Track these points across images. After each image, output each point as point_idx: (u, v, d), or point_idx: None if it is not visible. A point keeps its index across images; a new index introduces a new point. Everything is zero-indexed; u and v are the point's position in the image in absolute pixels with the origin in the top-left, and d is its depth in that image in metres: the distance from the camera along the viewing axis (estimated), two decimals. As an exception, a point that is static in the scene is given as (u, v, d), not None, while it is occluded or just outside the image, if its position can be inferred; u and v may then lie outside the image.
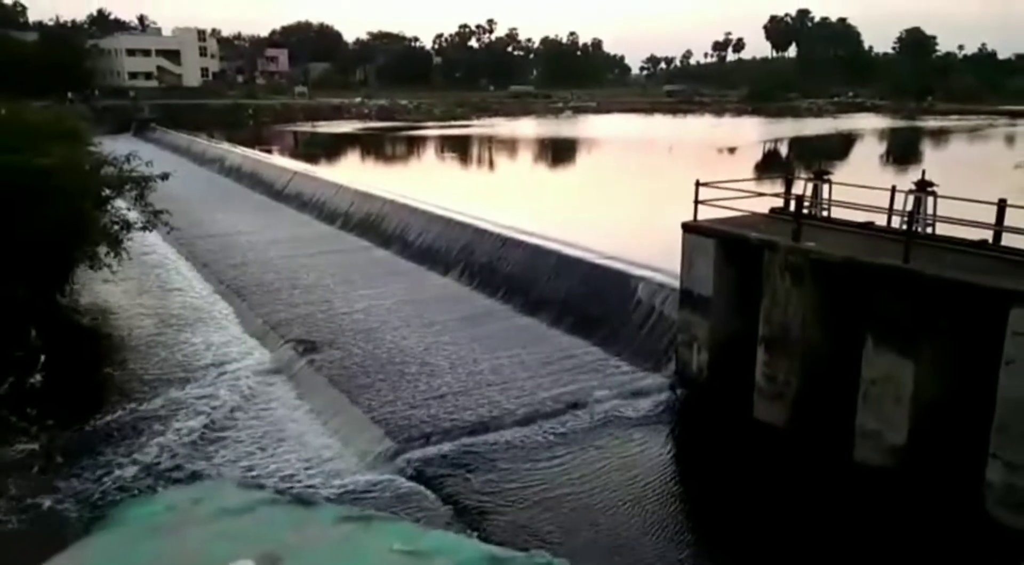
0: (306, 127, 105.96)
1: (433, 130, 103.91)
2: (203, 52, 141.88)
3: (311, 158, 66.83)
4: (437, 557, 3.38)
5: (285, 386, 19.50)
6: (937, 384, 13.67)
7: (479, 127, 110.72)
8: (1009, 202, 14.97)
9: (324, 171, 53.78)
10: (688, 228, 17.96)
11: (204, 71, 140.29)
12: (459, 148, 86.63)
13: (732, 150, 79.86)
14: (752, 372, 16.50)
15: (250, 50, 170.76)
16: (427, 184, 48.75)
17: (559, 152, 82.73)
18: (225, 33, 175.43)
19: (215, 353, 21.51)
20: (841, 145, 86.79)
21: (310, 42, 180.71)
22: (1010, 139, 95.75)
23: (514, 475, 14.92)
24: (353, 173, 55.00)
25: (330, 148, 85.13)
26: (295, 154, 72.29)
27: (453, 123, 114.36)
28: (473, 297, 26.01)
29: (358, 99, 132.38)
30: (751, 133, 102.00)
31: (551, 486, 14.55)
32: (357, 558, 3.35)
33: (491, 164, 75.41)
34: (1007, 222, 14.98)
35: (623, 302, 21.14)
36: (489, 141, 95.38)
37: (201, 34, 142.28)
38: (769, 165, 67.80)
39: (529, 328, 22.82)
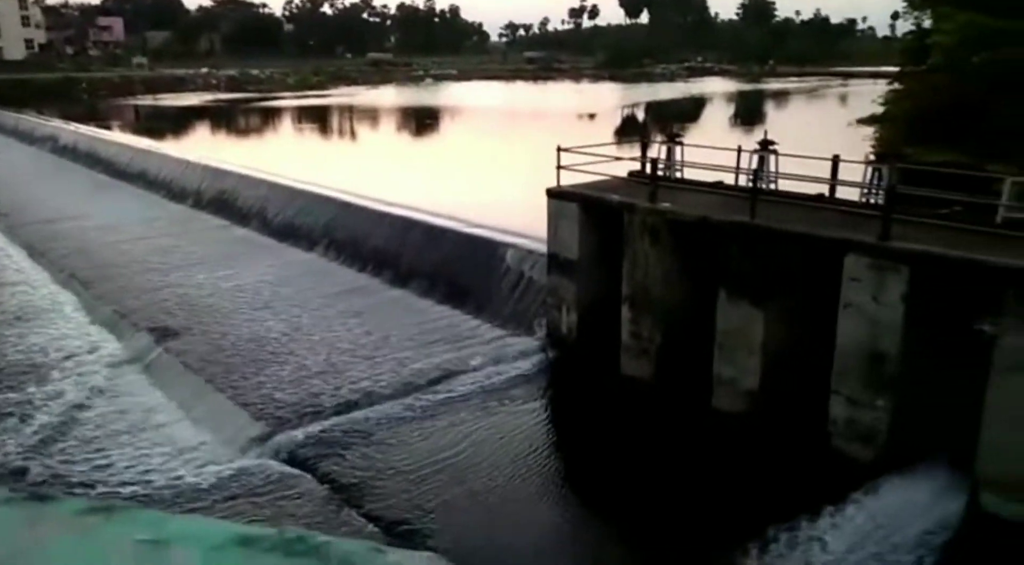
0: (148, 101, 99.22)
1: (288, 101, 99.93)
2: (26, 22, 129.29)
3: (156, 134, 62.75)
4: (182, 543, 3.23)
5: (141, 377, 18.38)
6: (785, 331, 14.64)
7: (337, 97, 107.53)
8: (842, 157, 16.13)
9: (171, 147, 50.67)
10: (552, 194, 18.23)
11: (29, 43, 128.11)
12: (318, 119, 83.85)
13: (592, 116, 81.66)
14: (618, 330, 17.08)
15: (80, 19, 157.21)
16: (285, 158, 46.96)
17: (423, 121, 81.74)
18: (51, 0, 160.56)
19: (59, 348, 19.94)
20: (693, 108, 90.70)
21: (147, 9, 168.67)
22: (843, 98, 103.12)
23: (392, 449, 14.82)
24: (204, 148, 52.13)
25: (176, 122, 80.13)
26: (137, 130, 67.62)
27: (309, 93, 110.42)
28: (340, 272, 25.42)
29: (204, 70, 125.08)
30: (609, 99, 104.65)
31: (430, 456, 14.55)
32: (96, 552, 3.14)
33: (353, 135, 73.55)
34: (841, 176, 16.16)
35: (493, 270, 21.28)
36: (349, 111, 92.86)
37: (22, 2, 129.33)
38: (628, 130, 69.83)
39: (400, 301, 22.60)
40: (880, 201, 14.19)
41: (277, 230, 29.90)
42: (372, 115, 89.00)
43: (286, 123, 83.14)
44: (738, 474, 13.58)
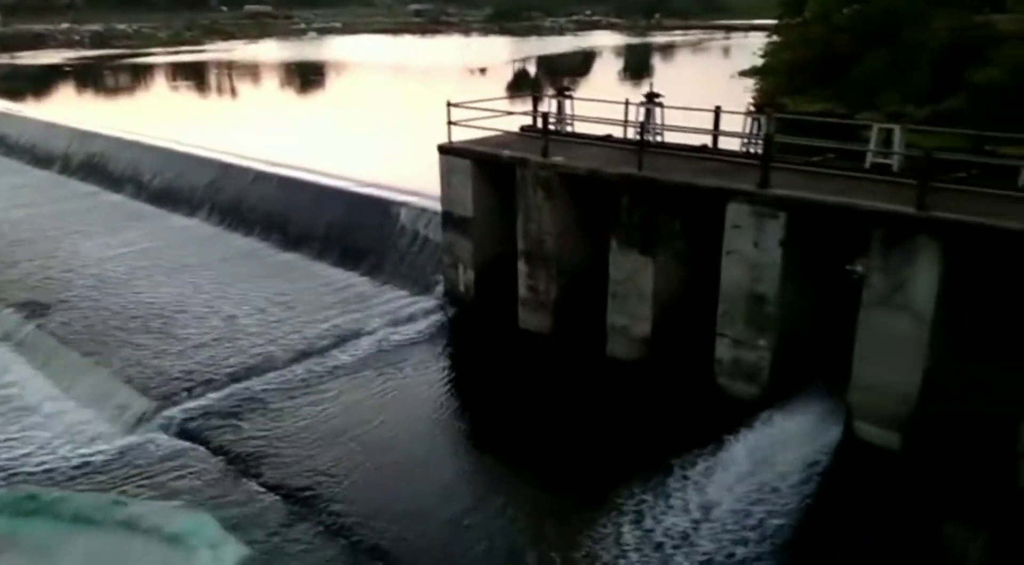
0: (4, 59, 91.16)
1: (160, 57, 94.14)
2: None
3: (15, 95, 57.78)
4: None
5: (12, 356, 17.22)
6: (674, 278, 15.14)
7: (214, 52, 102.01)
8: (724, 109, 16.62)
9: (32, 109, 46.92)
10: (444, 150, 18.01)
11: None
12: (194, 76, 79.35)
13: (483, 70, 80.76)
14: (516, 286, 17.22)
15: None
16: (160, 118, 44.28)
17: (308, 78, 78.70)
18: None
19: (-86, 330, 18.39)
20: (582, 62, 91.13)
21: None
22: (726, 51, 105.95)
23: (290, 416, 14.54)
24: (70, 110, 48.52)
25: (37, 83, 74.06)
26: (-8, 91, 62.06)
27: (183, 49, 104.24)
28: (226, 237, 24.44)
29: (65, 25, 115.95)
30: (500, 53, 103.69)
31: (330, 421, 14.38)
32: None
33: (233, 93, 70.08)
34: (723, 127, 16.67)
35: (387, 229, 20.96)
36: (228, 67, 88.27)
37: None
38: (519, 84, 69.57)
39: (292, 264, 21.99)
40: (759, 150, 14.73)
41: (155, 195, 28.38)
42: (253, 72, 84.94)
43: (159, 82, 78.29)
44: (633, 416, 14.08)
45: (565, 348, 16.39)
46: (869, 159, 14.45)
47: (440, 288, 19.00)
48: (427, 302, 18.84)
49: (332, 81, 78.67)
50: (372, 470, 13.00)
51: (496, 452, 13.76)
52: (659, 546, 10.95)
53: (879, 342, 11.94)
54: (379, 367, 16.33)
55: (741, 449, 12.59)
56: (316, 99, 65.79)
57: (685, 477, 12.18)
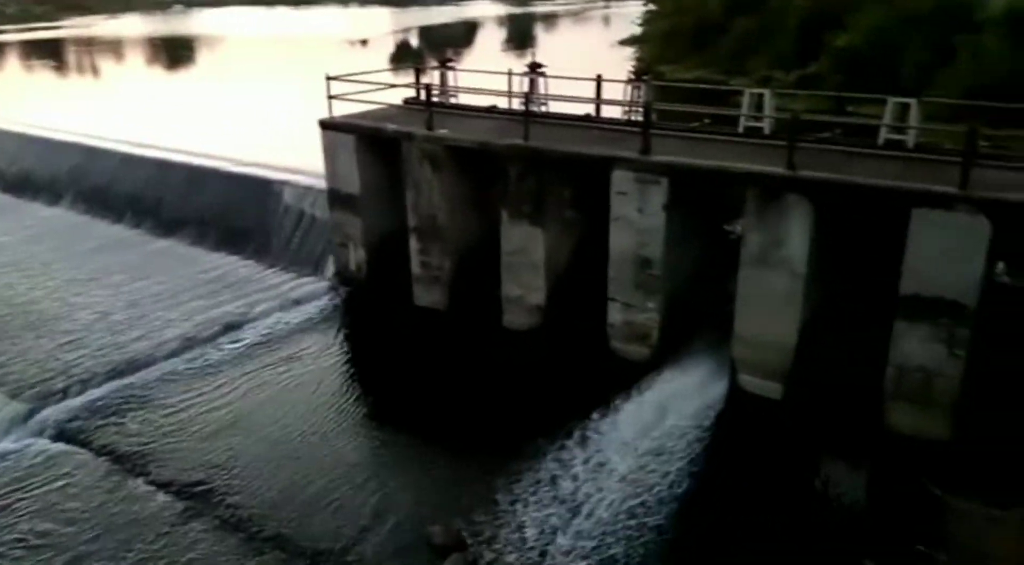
0: None
1: (9, 35, 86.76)
2: None
3: None
4: None
5: None
6: (565, 247, 15.36)
7: (72, 28, 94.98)
8: (605, 77, 16.88)
9: None
10: (325, 125, 17.49)
11: None
12: (50, 55, 73.58)
13: (365, 42, 78.77)
14: (409, 262, 17.02)
15: None
16: (14, 102, 40.93)
17: (177, 54, 74.52)
18: None
19: None
20: (465, 33, 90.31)
21: None
22: (607, 20, 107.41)
23: (176, 410, 13.94)
24: (-95, 93, 44.12)
25: None
26: None
27: (35, 25, 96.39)
28: (94, 226, 23.00)
29: None
30: (380, 24, 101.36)
31: (220, 412, 13.89)
32: None
33: (96, 72, 65.55)
34: (605, 95, 16.94)
35: (270, 210, 20.24)
36: (88, 44, 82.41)
37: None
38: (402, 56, 68.31)
39: (169, 252, 20.96)
40: (640, 118, 15.04)
41: (12, 184, 26.32)
42: (116, 49, 79.64)
43: (11, 61, 72.25)
44: (532, 383, 14.28)
45: (462, 322, 16.39)
46: (742, 123, 15.03)
47: (330, 268, 18.56)
48: (317, 283, 18.39)
49: (203, 56, 74.81)
50: (269, 459, 12.66)
51: (398, 429, 13.67)
52: (563, 504, 11.21)
53: (758, 298, 12.53)
54: (270, 353, 15.86)
55: (635, 408, 13.03)
56: (187, 76, 62.44)
57: (584, 438, 12.50)
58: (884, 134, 13.71)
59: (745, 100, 15.29)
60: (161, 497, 11.80)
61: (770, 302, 12.42)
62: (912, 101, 13.48)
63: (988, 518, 6.55)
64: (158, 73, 64.15)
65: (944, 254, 10.87)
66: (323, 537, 10.96)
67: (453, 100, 18.72)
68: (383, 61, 56.98)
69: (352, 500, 11.64)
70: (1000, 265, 13.28)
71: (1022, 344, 11.40)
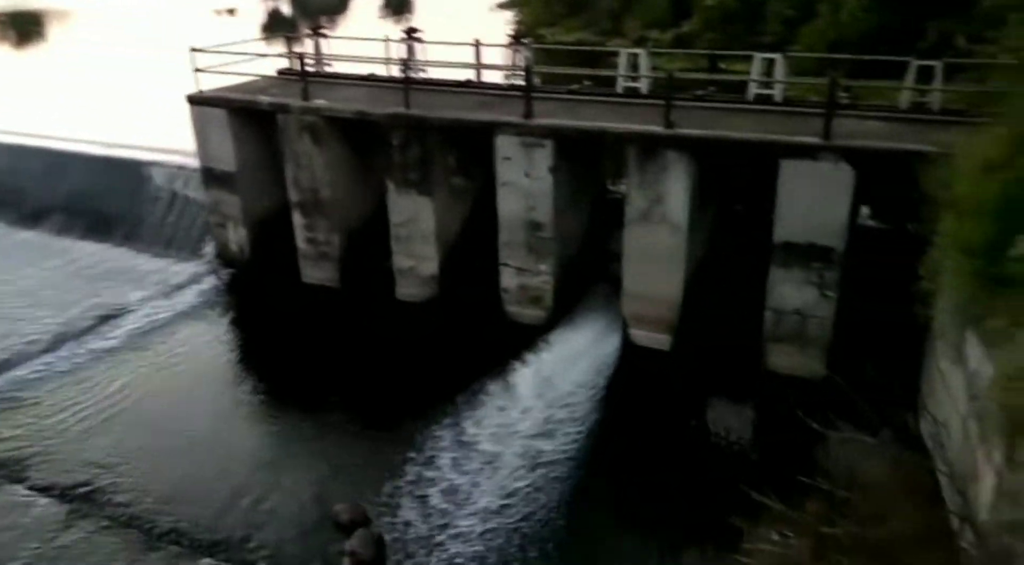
0: None
1: None
2: None
3: None
4: None
5: None
6: (455, 215, 15.27)
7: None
8: (484, 42, 16.72)
9: None
10: (193, 101, 16.57)
11: None
12: None
13: (232, 12, 74.94)
14: (295, 240, 16.50)
15: None
16: None
17: (25, 29, 68.69)
18: None
19: None
20: (338, 0, 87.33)
21: None
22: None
23: (53, 409, 13.09)
24: None
25: None
26: None
27: None
28: (-57, 219, 21.10)
29: None
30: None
31: (102, 407, 13.14)
32: None
33: (-70, 51, 59.59)
34: (486, 60, 16.80)
35: (140, 193, 19.11)
36: (-81, 21, 74.66)
37: None
38: (274, 25, 65.42)
39: (32, 243, 19.54)
40: (522, 82, 15.01)
41: None
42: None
43: None
44: (430, 353, 14.24)
45: (354, 297, 16.09)
46: (620, 84, 15.26)
47: (210, 250, 17.74)
48: (197, 267, 17.55)
49: (55, 32, 69.32)
50: (159, 453, 12.09)
51: (295, 411, 13.30)
52: (466, 470, 11.28)
53: (643, 255, 12.88)
54: (152, 343, 15.10)
55: (533, 370, 13.22)
56: (37, 54, 57.75)
57: (484, 404, 12.59)
58: (753, 89, 14.25)
59: (622, 61, 15.53)
60: (43, 502, 11.09)
61: (655, 258, 12.79)
62: (777, 56, 14.05)
63: (862, 446, 7.03)
64: (2, 52, 59.02)
65: (812, 201, 11.46)
66: (222, 527, 10.62)
67: (329, 69, 18.12)
68: (254, 31, 54.42)
69: (251, 487, 11.30)
70: (864, 209, 14.16)
71: (886, 284, 12.25)
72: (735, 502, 7.54)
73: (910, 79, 13.12)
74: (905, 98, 13.28)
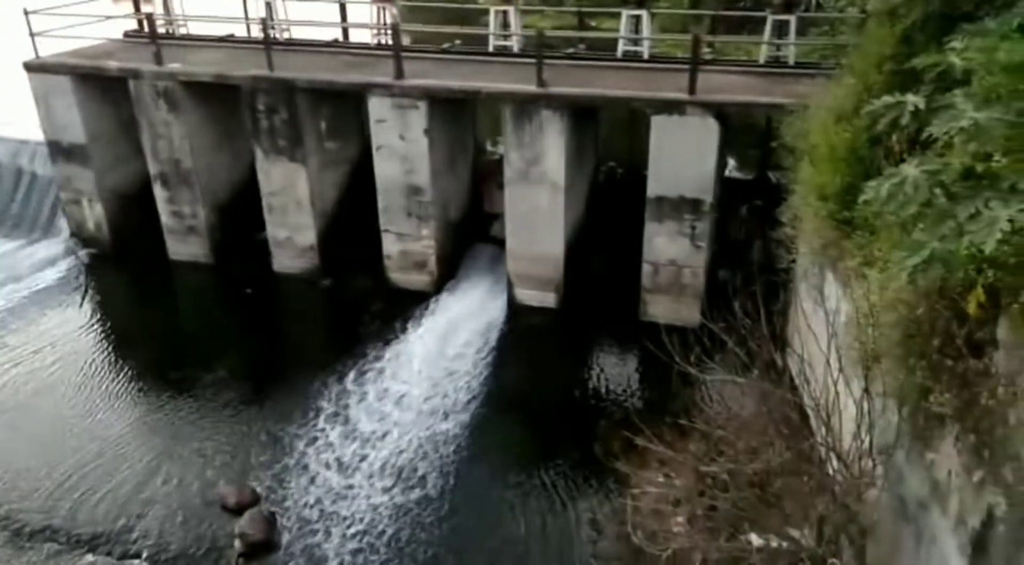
0: None
1: None
2: None
3: None
4: None
5: None
6: (331, 181, 14.80)
7: None
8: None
9: None
10: (31, 67, 15.15)
11: None
12: None
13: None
14: (158, 214, 15.56)
15: None
16: None
17: None
18: None
19: None
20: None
21: None
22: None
23: None
24: None
25: None
26: None
27: None
28: None
29: None
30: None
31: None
32: None
33: None
34: (352, 19, 16.25)
35: (-20, 170, 17.44)
36: None
37: None
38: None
39: None
40: (391, 42, 14.60)
41: None
42: None
43: None
44: (310, 327, 13.89)
45: (226, 272, 15.39)
46: (492, 43, 15.13)
47: (64, 229, 16.47)
48: (51, 248, 16.26)
49: None
50: (22, 449, 11.24)
51: (171, 396, 12.54)
52: (356, 441, 11.14)
53: (524, 215, 12.96)
54: (7, 331, 13.93)
55: (420, 335, 13.17)
56: None
57: (372, 373, 12.45)
58: (622, 47, 14.47)
59: (492, 19, 15.38)
60: None
61: (536, 217, 12.90)
62: (643, 13, 14.28)
63: (736, 387, 7.42)
64: None
65: (681, 156, 11.83)
66: (101, 519, 10.05)
67: (183, 31, 17.01)
68: (99, -9, 50.28)
69: (130, 475, 10.73)
70: (730, 161, 14.79)
71: (753, 232, 12.88)
72: (621, 448, 7.83)
73: (767, 34, 13.69)
74: (763, 53, 13.86)
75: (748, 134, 15.57)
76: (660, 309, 12.77)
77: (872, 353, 5.93)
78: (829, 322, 6.67)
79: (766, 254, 9.83)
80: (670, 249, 12.45)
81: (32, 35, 14.98)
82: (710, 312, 7.46)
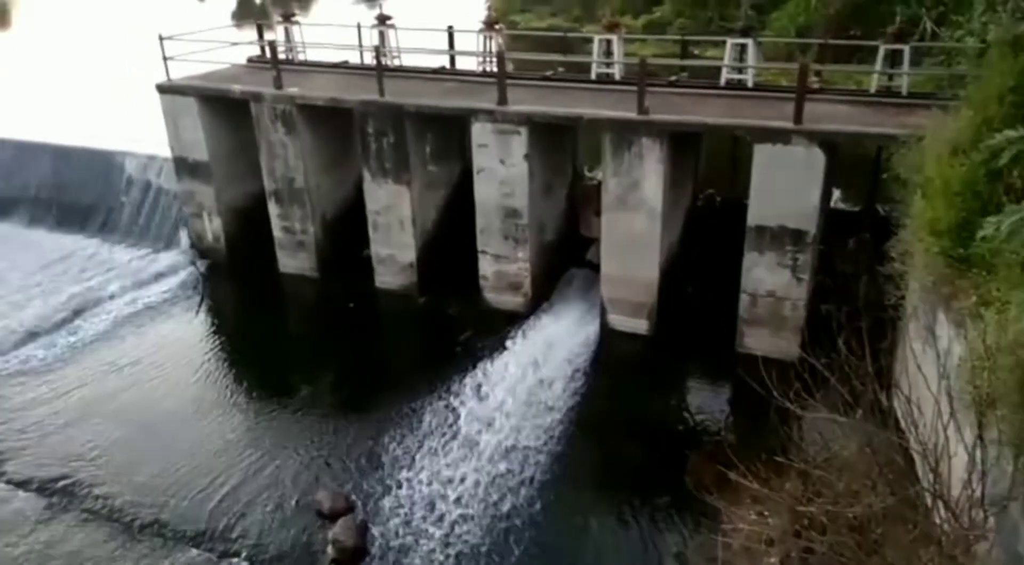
0: None
1: None
2: None
3: None
4: None
5: None
6: (432, 202, 15.26)
7: None
8: (457, 28, 16.67)
9: None
10: (163, 89, 16.33)
11: None
12: None
13: (201, -2, 73.70)
14: (271, 229, 16.39)
15: None
16: None
17: (-16, 16, 67.06)
18: None
19: None
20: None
21: None
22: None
23: (28, 403, 12.98)
24: None
25: None
26: None
27: None
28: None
29: None
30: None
31: (78, 401, 13.04)
32: None
33: None
34: (458, 47, 16.76)
35: (112, 183, 18.85)
36: None
37: None
38: (245, 11, 64.45)
39: (2, 236, 19.17)
40: (495, 68, 14.98)
41: None
42: (-91, 11, 70.64)
43: None
44: (408, 342, 14.26)
45: (332, 286, 16.04)
46: (594, 70, 15.29)
47: (185, 241, 17.58)
48: (173, 257, 17.39)
49: (20, 21, 67.70)
50: (138, 444, 12.03)
51: (275, 401, 13.20)
52: (450, 455, 11.36)
53: (621, 241, 12.96)
54: (128, 334, 14.97)
55: (512, 357, 13.31)
56: (1, 43, 56.42)
57: (466, 388, 12.66)
58: (726, 74, 14.35)
59: (595, 47, 15.54)
60: (21, 496, 11.03)
61: (632, 243, 12.88)
62: (749, 42, 14.14)
63: (837, 426, 7.18)
64: (-36, 38, 57.53)
65: (784, 185, 11.61)
66: (205, 518, 10.62)
67: (301, 56, 17.96)
68: (224, 18, 53.57)
69: (232, 477, 11.30)
70: (836, 192, 14.38)
71: (856, 265, 12.46)
72: (713, 482, 7.69)
73: (879, 63, 13.31)
74: (874, 82, 13.47)
75: (856, 165, 15.11)
76: (757, 341, 12.49)
77: (987, 398, 5.66)
78: (940, 363, 6.40)
79: (873, 289, 9.48)
80: (770, 280, 12.19)
81: (165, 59, 16.14)
82: (811, 346, 7.25)
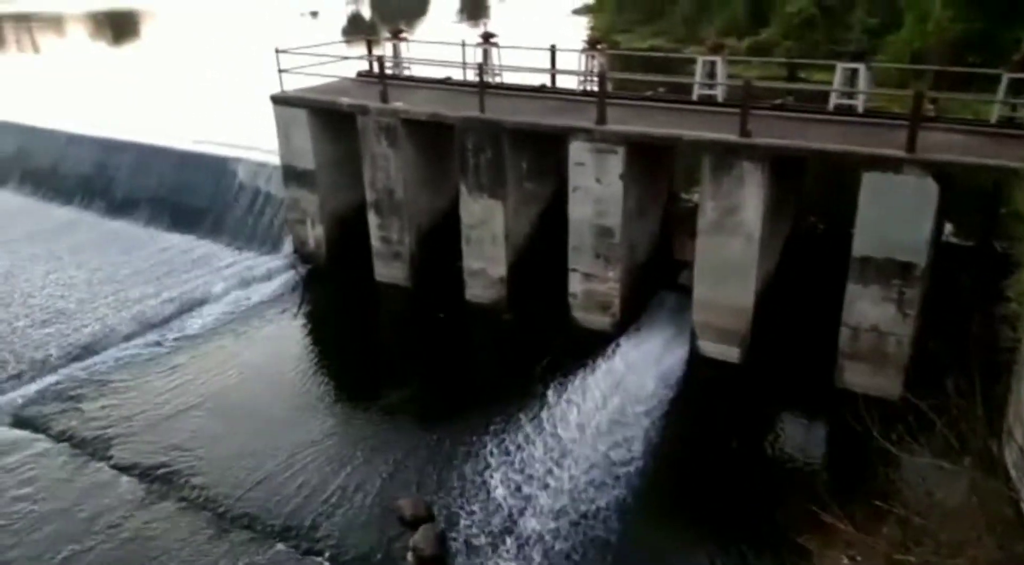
0: None
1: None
2: None
3: None
4: None
5: None
6: (525, 218, 15.38)
7: (5, 4, 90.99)
8: (560, 47, 16.81)
9: None
10: (277, 100, 17.14)
11: None
12: (-16, 31, 70.63)
13: (315, 14, 77.07)
14: (369, 238, 16.88)
15: None
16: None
17: (121, 30, 72.11)
18: None
19: None
20: (419, 3, 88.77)
21: None
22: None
23: (137, 392, 13.73)
24: None
25: None
26: None
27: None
28: (43, 208, 22.37)
29: None
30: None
31: (182, 393, 13.70)
32: None
33: (36, 50, 63.10)
34: (560, 66, 16.89)
35: (224, 187, 19.85)
36: (26, 21, 79.22)
37: None
38: (355, 27, 66.95)
39: (123, 232, 20.49)
40: (595, 88, 15.00)
41: (-48, 168, 25.33)
42: (56, 26, 76.73)
43: (-59, 37, 69.13)
44: (495, 355, 14.35)
45: (425, 296, 16.37)
46: (696, 91, 15.11)
47: (288, 246, 18.32)
48: (276, 261, 18.13)
49: (149, 32, 72.48)
50: (234, 439, 12.54)
51: (363, 405, 13.54)
52: (533, 471, 11.34)
53: (716, 266, 12.71)
54: (230, 333, 15.66)
55: (599, 377, 13.20)
56: (133, 53, 60.49)
57: (551, 405, 12.62)
58: (834, 99, 13.93)
59: (698, 68, 15.37)
60: (124, 481, 11.65)
61: (727, 269, 12.61)
62: (861, 66, 13.69)
63: (941, 471, 6.81)
64: (102, 51, 62.00)
65: (893, 216, 11.13)
66: (291, 514, 10.95)
67: (407, 72, 18.49)
68: (335, 33, 55.79)
69: (319, 477, 11.62)
70: (948, 225, 13.68)
71: (968, 303, 11.81)
72: (804, 522, 7.39)
73: (1001, 92, 12.62)
74: (995, 112, 12.78)
75: (972, 198, 14.35)
76: (857, 377, 11.97)
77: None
78: (1060, 412, 5.99)
79: (985, 330, 8.96)
80: (874, 314, 11.68)
81: (280, 71, 16.93)
82: (915, 386, 6.90)
